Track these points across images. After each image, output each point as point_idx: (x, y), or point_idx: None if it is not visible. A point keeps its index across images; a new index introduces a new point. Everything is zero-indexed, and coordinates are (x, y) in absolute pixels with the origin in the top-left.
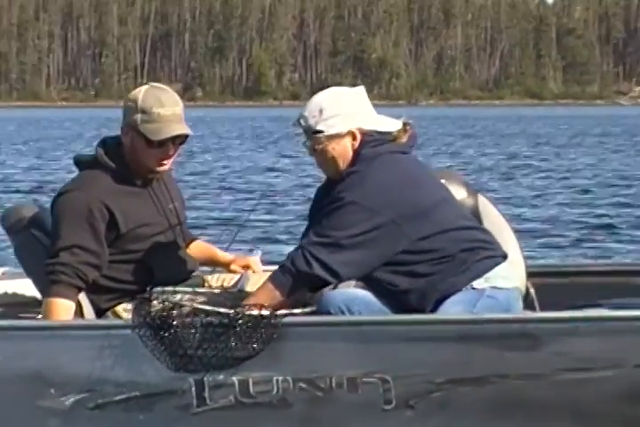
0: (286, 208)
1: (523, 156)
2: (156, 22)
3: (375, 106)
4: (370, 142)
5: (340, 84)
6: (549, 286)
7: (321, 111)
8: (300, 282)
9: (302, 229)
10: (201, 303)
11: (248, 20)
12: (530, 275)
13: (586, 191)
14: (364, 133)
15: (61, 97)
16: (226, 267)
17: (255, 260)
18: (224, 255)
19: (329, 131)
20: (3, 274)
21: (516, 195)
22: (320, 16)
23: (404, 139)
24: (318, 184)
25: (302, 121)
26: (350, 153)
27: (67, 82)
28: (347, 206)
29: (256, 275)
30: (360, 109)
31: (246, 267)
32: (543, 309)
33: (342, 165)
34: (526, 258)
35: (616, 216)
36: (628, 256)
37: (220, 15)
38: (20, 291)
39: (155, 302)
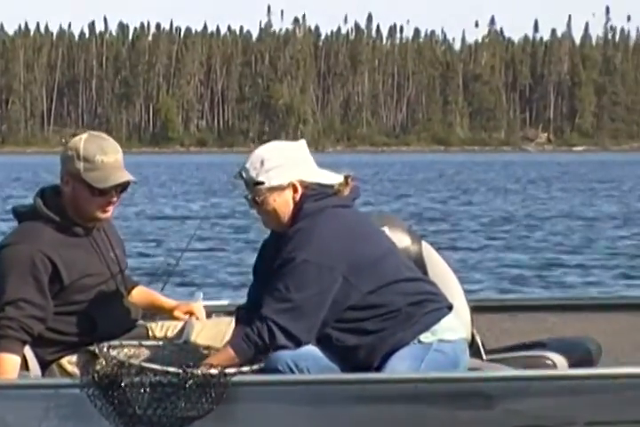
0: (217, 253)
1: (444, 201)
2: (63, 68)
3: None
4: (312, 196)
5: (247, 130)
6: (491, 320)
7: (262, 163)
8: (263, 351)
9: (233, 269)
10: (148, 360)
11: (155, 66)
12: (473, 309)
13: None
14: (306, 186)
15: None
16: (169, 313)
17: (198, 306)
18: (167, 301)
19: (270, 182)
20: None
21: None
22: (227, 62)
23: (346, 192)
24: (249, 231)
25: (243, 173)
26: (291, 205)
27: None
28: (299, 266)
29: (200, 322)
30: (301, 162)
31: (189, 313)
32: (488, 352)
33: (284, 217)
34: (467, 292)
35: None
36: (568, 291)
37: (126, 61)
38: None
39: (102, 359)
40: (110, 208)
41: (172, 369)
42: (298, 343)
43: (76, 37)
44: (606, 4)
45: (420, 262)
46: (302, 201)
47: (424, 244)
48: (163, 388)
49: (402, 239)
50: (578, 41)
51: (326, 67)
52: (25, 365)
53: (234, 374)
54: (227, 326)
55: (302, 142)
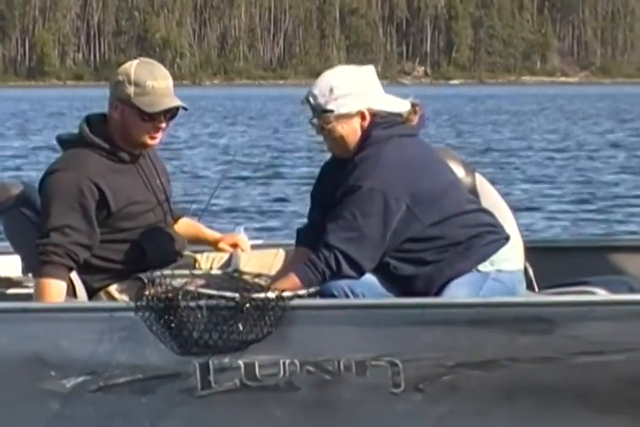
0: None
1: None
2: None
3: None
4: (380, 124)
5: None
6: (539, 261)
7: (331, 90)
8: (327, 278)
9: (266, 198)
10: (202, 287)
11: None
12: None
13: None
14: (374, 114)
15: None
16: (213, 245)
17: (242, 238)
18: (211, 234)
19: (339, 110)
20: None
21: None
22: None
23: (415, 120)
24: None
25: (311, 99)
26: (359, 133)
27: None
28: (365, 195)
29: (245, 253)
30: (370, 89)
31: (234, 245)
32: (540, 287)
33: (350, 144)
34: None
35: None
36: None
37: None
38: None
39: (157, 285)
40: (158, 134)
41: (228, 294)
42: (361, 272)
43: None
44: None
45: (473, 194)
46: (370, 129)
47: (477, 175)
48: (220, 312)
49: (456, 171)
50: None
51: (203, 0)
52: (73, 292)
53: (291, 298)
54: (273, 257)
55: (370, 68)
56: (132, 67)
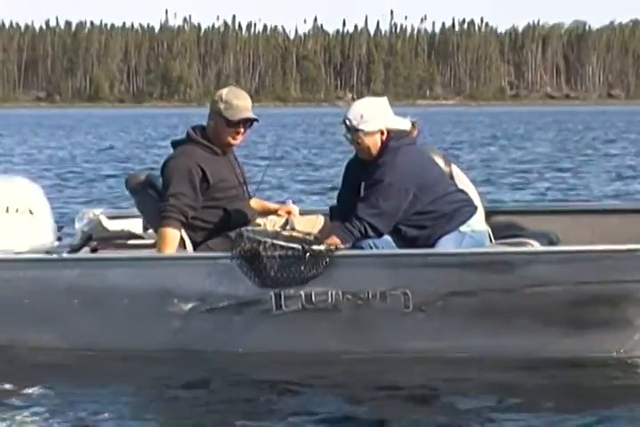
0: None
1: None
2: None
3: None
4: (393, 138)
5: (151, 92)
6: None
7: (362, 116)
8: (358, 239)
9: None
10: (275, 239)
11: None
12: None
13: None
14: (389, 131)
15: None
16: (274, 213)
17: (294, 207)
18: (272, 205)
19: (367, 129)
20: (100, 213)
21: None
22: None
23: (415, 133)
24: None
25: (347, 122)
26: (379, 144)
27: None
28: (386, 186)
29: (296, 218)
30: (386, 114)
31: (288, 212)
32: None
33: (373, 151)
34: None
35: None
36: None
37: None
38: (119, 227)
39: (246, 238)
40: (238, 137)
41: (295, 245)
42: (380, 235)
43: None
44: (390, 7)
45: (450, 178)
46: (387, 141)
47: (453, 165)
48: (288, 259)
49: (439, 162)
50: (372, 32)
51: (204, 49)
52: (183, 245)
53: (336, 250)
54: (315, 220)
55: (385, 99)
56: (225, 91)
